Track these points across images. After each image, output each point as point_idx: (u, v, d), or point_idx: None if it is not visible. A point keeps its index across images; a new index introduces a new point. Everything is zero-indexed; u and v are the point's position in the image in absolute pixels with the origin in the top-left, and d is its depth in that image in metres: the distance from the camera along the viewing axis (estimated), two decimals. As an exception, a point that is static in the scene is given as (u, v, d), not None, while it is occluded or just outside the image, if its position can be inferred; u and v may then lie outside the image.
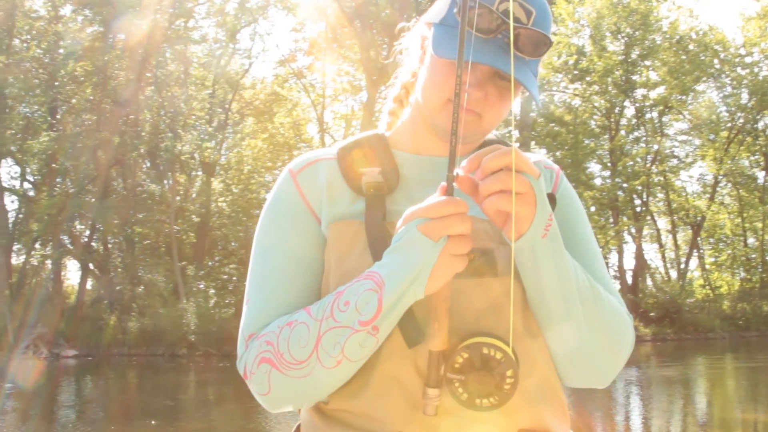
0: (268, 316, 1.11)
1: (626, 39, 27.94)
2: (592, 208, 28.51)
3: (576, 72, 28.21)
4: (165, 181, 25.74)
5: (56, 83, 24.96)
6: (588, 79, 28.04)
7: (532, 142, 28.21)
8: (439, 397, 0.99)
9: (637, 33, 27.57)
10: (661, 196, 30.55)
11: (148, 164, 26.41)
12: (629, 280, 28.79)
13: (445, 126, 1.05)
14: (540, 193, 0.98)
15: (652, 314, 27.00)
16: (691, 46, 28.30)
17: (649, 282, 29.74)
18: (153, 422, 9.71)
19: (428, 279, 0.96)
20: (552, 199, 1.10)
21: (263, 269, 1.15)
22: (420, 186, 1.15)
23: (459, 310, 1.05)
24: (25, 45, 25.82)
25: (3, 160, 25.72)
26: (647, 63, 28.59)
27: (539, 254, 1.01)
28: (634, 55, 28.07)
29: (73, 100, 25.49)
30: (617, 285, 29.00)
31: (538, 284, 1.04)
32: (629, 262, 29.72)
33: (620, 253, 28.76)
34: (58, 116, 25.82)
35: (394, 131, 1.26)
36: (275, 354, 1.05)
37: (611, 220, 28.65)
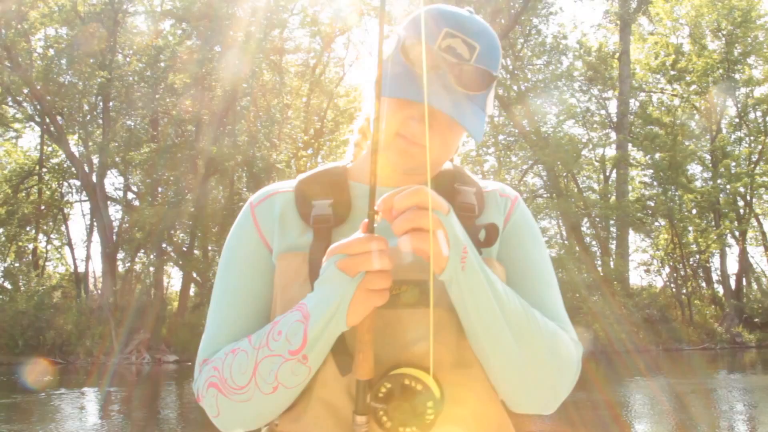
0: (220, 342, 1.17)
1: (727, 37, 27.15)
2: (693, 211, 27.79)
3: (674, 72, 27.56)
4: (262, 190, 26.08)
5: (157, 96, 25.66)
6: (687, 78, 27.35)
7: (629, 144, 27.70)
8: (366, 425, 1.03)
9: (738, 30, 26.76)
10: (766, 197, 29.60)
11: (245, 173, 26.89)
12: (732, 284, 27.87)
13: (395, 159, 1.15)
14: (450, 228, 1.00)
15: (756, 320, 26.08)
16: (796, 43, 27.36)
17: (754, 286, 28.79)
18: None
19: (347, 312, 1.01)
20: (494, 229, 1.14)
21: (218, 298, 1.22)
22: None
23: (392, 340, 1.09)
24: (126, 59, 26.68)
25: (108, 171, 26.64)
26: (749, 61, 27.75)
27: (462, 286, 1.03)
28: (736, 53, 27.25)
29: (173, 112, 26.17)
30: (720, 289, 28.19)
31: (466, 314, 1.06)
32: (733, 266, 28.87)
33: (723, 256, 27.89)
34: (159, 128, 26.55)
35: (356, 162, 1.31)
36: (220, 379, 1.11)
37: (713, 223, 27.83)
